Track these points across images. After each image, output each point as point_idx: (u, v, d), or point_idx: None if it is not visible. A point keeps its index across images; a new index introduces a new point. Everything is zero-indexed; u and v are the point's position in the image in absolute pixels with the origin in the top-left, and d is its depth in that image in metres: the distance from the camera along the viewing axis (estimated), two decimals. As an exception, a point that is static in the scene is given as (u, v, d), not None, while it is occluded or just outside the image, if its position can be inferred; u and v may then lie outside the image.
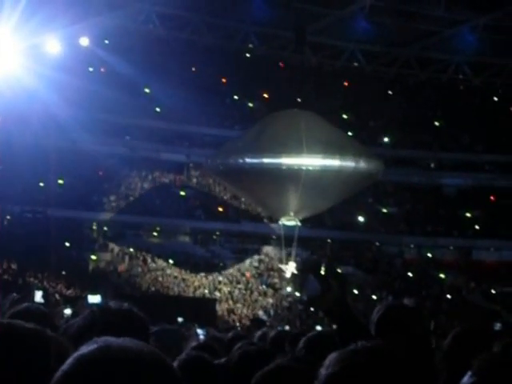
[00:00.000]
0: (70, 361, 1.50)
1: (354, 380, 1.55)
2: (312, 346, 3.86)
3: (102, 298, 33.07)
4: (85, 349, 1.51)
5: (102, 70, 47.67)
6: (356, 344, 1.67)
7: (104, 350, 1.48)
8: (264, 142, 35.49)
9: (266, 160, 35.05)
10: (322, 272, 3.05)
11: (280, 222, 38.62)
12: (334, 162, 34.95)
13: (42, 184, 42.14)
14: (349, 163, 35.39)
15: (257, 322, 36.74)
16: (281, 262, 44.02)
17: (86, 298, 32.92)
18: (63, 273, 41.95)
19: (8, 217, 42.52)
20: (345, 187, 37.06)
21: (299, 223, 38.20)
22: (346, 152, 35.61)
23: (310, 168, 34.58)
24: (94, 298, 32.71)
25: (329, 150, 34.91)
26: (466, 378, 1.78)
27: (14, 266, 39.41)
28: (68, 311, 28.19)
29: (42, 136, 42.20)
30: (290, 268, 40.40)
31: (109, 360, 1.45)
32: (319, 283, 3.00)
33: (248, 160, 35.39)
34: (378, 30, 52.39)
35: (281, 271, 43.83)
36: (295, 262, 40.73)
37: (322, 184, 34.84)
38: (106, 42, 46.36)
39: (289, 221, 37.97)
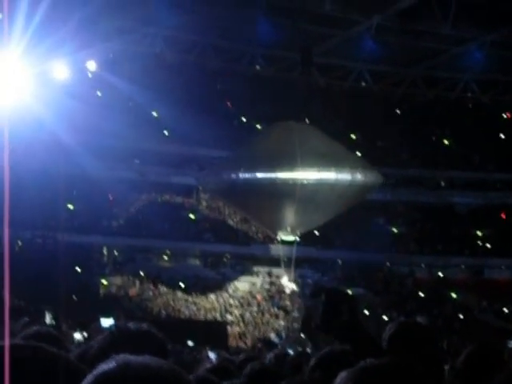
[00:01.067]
0: (88, 378, 1.50)
1: None
2: (324, 365, 3.77)
3: (115, 321, 33.26)
4: (104, 366, 1.51)
5: (110, 94, 47.92)
6: (365, 361, 1.68)
7: (123, 368, 1.48)
8: (257, 156, 35.08)
9: (259, 175, 34.52)
10: (329, 297, 3.06)
11: (278, 238, 38.28)
12: (329, 175, 34.42)
13: (52, 210, 42.31)
14: (345, 176, 34.84)
15: (268, 344, 36.86)
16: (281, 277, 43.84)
17: (99, 322, 33.12)
18: (74, 297, 42.02)
19: (19, 242, 42.72)
20: (342, 201, 36.47)
21: (298, 238, 37.80)
22: (342, 164, 35.04)
23: (305, 182, 34.05)
24: (107, 322, 32.94)
25: (324, 162, 34.38)
26: None
27: (25, 291, 39.50)
28: (78, 335, 28.21)
29: (49, 162, 42.43)
30: (289, 285, 40.10)
31: (128, 377, 1.45)
32: (329, 309, 3.00)
33: (241, 175, 34.89)
34: (385, 49, 52.49)
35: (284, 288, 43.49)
36: (295, 279, 40.42)
37: (318, 198, 34.40)
38: (113, 66, 46.64)
39: (287, 236, 37.58)
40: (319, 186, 34.30)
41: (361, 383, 1.58)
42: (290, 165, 33.96)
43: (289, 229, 36.55)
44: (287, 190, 34.07)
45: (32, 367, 1.92)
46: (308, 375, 3.77)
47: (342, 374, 1.63)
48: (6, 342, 2.00)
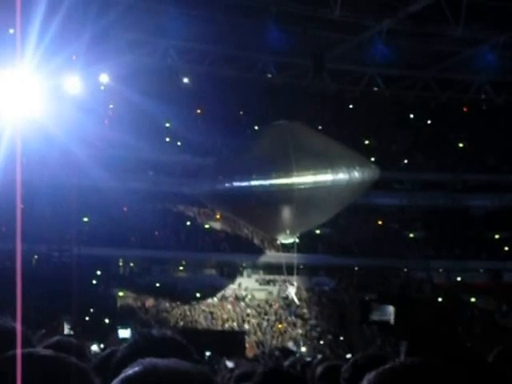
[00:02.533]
0: (115, 382, 1.50)
1: None
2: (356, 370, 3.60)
3: (132, 331, 33.48)
4: (130, 370, 1.50)
5: (122, 106, 48.29)
6: (394, 361, 1.68)
7: (150, 370, 1.47)
8: (252, 162, 34.49)
9: (254, 182, 34.01)
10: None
11: (278, 241, 37.97)
12: (326, 178, 33.97)
13: (66, 223, 42.67)
14: (342, 176, 34.44)
15: (286, 352, 37.02)
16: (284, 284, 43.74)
17: (116, 333, 33.44)
18: (91, 309, 42.36)
19: (35, 256, 43.08)
20: (339, 200, 36.05)
21: (297, 240, 37.46)
22: (338, 164, 34.59)
23: (302, 187, 33.57)
24: (125, 333, 33.23)
25: (319, 163, 33.91)
26: None
27: (43, 304, 39.87)
28: (95, 347, 28.53)
29: (63, 176, 42.81)
30: (292, 291, 39.94)
31: (155, 380, 1.44)
32: (396, 313, 3.07)
33: (236, 184, 34.46)
34: (397, 53, 52.63)
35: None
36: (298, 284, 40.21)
37: (315, 201, 33.98)
38: (126, 78, 47.03)
39: (286, 239, 37.27)
40: (316, 189, 33.84)
41: (389, 382, 1.58)
42: (285, 170, 33.51)
43: (288, 232, 36.18)
44: (284, 196, 33.70)
45: (49, 376, 1.92)
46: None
47: (370, 375, 1.63)
48: (18, 351, 2.00)
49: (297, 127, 37.40)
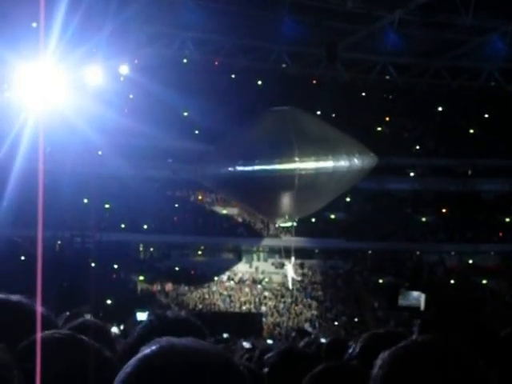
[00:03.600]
0: (132, 361, 1.44)
1: (408, 376, 1.51)
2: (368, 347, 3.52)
3: (150, 314, 33.83)
4: (147, 349, 1.45)
5: (141, 97, 48.51)
6: (406, 340, 1.65)
7: (167, 349, 1.42)
8: (255, 147, 34.32)
9: (257, 167, 33.84)
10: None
11: (276, 225, 37.74)
12: (327, 164, 33.78)
13: (88, 210, 43.04)
14: (342, 163, 34.25)
15: (302, 333, 37.24)
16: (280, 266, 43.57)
17: (134, 316, 33.72)
18: (112, 293, 42.73)
19: (59, 242, 43.47)
20: (339, 185, 35.81)
21: (295, 223, 37.31)
22: (339, 151, 34.37)
23: (304, 173, 33.44)
24: (143, 316, 33.47)
25: (321, 150, 33.70)
26: None
27: (65, 289, 40.29)
28: (115, 329, 28.77)
29: (84, 164, 43.13)
30: (290, 271, 39.78)
31: (173, 359, 1.39)
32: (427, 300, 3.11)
33: (239, 168, 34.34)
34: (408, 42, 52.62)
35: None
36: (295, 265, 40.00)
37: (316, 186, 33.78)
38: (145, 69, 47.22)
39: (284, 222, 37.11)
40: (318, 175, 33.74)
41: (403, 361, 1.54)
42: (288, 156, 33.32)
43: (287, 216, 36.01)
44: (286, 182, 33.51)
45: (63, 356, 1.99)
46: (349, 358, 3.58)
47: (384, 354, 1.60)
48: (38, 335, 2.07)
49: (297, 113, 36.95)
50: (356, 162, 34.87)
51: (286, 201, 34.77)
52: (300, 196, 34.11)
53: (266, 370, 3.50)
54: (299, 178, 33.35)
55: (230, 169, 34.85)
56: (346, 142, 36.40)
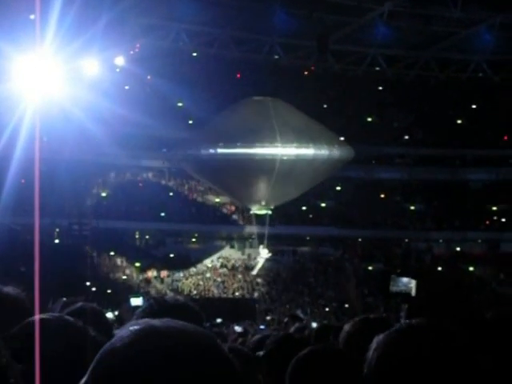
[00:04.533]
0: (106, 346, 1.31)
1: (403, 360, 1.50)
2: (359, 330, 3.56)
3: (144, 300, 33.73)
4: (124, 330, 1.33)
5: (137, 87, 48.48)
6: (401, 323, 1.65)
7: (147, 331, 1.30)
8: (235, 130, 34.12)
9: (239, 150, 33.70)
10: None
11: (251, 212, 37.49)
12: (308, 151, 33.72)
13: (86, 198, 43.09)
14: (323, 152, 34.21)
15: (294, 319, 37.34)
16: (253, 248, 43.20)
17: (128, 301, 33.68)
18: (108, 279, 42.84)
19: (57, 229, 43.47)
20: (316, 174, 35.57)
21: (270, 212, 37.15)
22: (319, 141, 34.36)
23: (285, 158, 33.33)
24: (137, 301, 33.45)
25: (302, 138, 33.59)
26: None
27: (63, 275, 40.34)
28: (109, 315, 28.78)
29: (81, 153, 43.12)
30: (263, 255, 39.57)
31: (151, 342, 1.27)
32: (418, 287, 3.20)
33: (220, 150, 34.09)
34: (398, 34, 52.70)
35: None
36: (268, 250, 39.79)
37: (295, 172, 33.59)
38: (140, 61, 47.17)
39: (260, 210, 36.93)
40: (298, 161, 33.61)
41: (397, 345, 1.53)
42: (270, 141, 33.22)
43: (263, 203, 35.83)
44: (266, 166, 33.32)
45: (59, 339, 2.02)
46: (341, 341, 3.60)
47: (379, 338, 1.58)
48: (37, 317, 2.10)
49: (279, 103, 36.73)
50: (335, 152, 34.84)
51: (263, 186, 34.40)
52: (278, 182, 33.83)
53: (261, 353, 3.54)
54: (280, 162, 33.18)
55: (211, 151, 34.63)
56: (325, 134, 36.48)
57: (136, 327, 1.31)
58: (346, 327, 3.59)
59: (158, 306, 2.48)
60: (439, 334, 1.54)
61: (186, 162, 38.54)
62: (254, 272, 43.56)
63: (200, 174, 39.05)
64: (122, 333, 1.32)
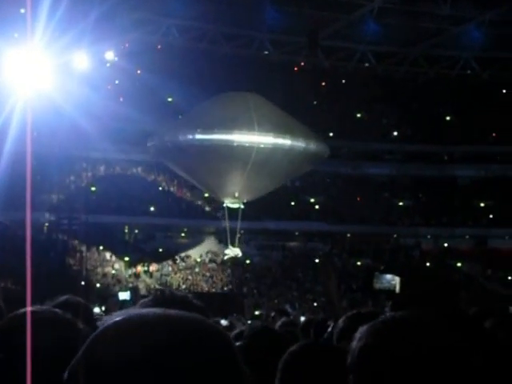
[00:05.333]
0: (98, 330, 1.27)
1: (386, 349, 1.48)
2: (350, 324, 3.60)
3: (132, 294, 33.65)
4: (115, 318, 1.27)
5: (127, 82, 48.40)
6: (385, 315, 1.62)
7: (132, 320, 1.25)
8: (214, 118, 33.99)
9: (216, 136, 33.48)
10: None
11: (224, 204, 37.44)
12: (285, 141, 33.71)
13: (75, 192, 42.98)
14: (299, 143, 34.27)
15: (282, 313, 37.33)
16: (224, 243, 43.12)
17: (116, 296, 33.65)
18: (97, 273, 42.78)
19: (46, 224, 43.31)
20: (291, 167, 35.62)
21: (242, 206, 37.14)
22: (296, 133, 34.46)
23: (262, 146, 33.20)
24: (124, 295, 33.44)
25: (279, 129, 33.68)
26: None
27: (53, 268, 40.27)
28: (97, 309, 28.69)
29: (72, 148, 43.00)
30: (235, 251, 39.45)
31: (133, 331, 1.22)
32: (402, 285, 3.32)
33: (198, 136, 33.81)
34: (387, 31, 52.71)
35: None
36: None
37: (271, 163, 33.54)
38: (131, 55, 47.09)
39: (233, 203, 36.86)
40: (274, 150, 33.52)
41: (381, 336, 1.51)
42: (248, 128, 33.13)
43: (236, 194, 35.78)
44: (243, 153, 33.15)
45: (47, 332, 2.02)
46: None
47: (362, 328, 1.56)
48: (28, 309, 2.12)
49: (257, 97, 36.49)
50: (312, 146, 35.00)
51: (238, 175, 34.09)
52: (253, 171, 33.60)
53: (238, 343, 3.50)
54: (257, 151, 33.05)
55: (189, 136, 34.29)
56: (302, 129, 36.42)
57: (119, 318, 1.26)
58: (340, 323, 3.61)
59: (163, 299, 2.42)
60: (423, 325, 1.52)
61: (163, 151, 38.29)
62: (225, 257, 43.55)
63: (176, 163, 38.75)
64: (106, 324, 1.27)
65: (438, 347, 1.47)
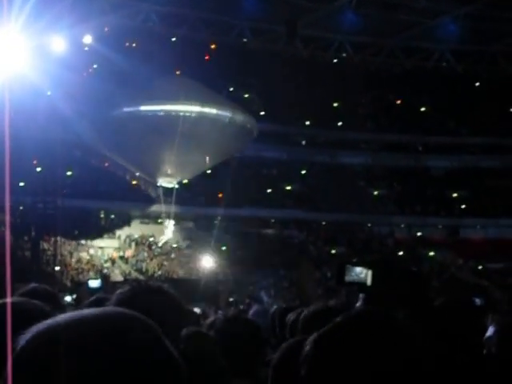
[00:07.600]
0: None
1: (327, 360, 1.45)
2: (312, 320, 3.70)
3: (102, 282, 33.07)
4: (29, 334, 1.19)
5: (105, 66, 47.65)
6: (340, 316, 1.54)
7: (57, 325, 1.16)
8: (141, 93, 34.23)
9: (142, 107, 33.78)
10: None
11: (158, 184, 37.31)
12: (211, 110, 34.02)
13: (51, 176, 42.17)
14: (225, 113, 34.57)
15: (256, 301, 37.05)
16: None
17: (87, 284, 33.04)
18: (72, 259, 42.15)
19: (21, 207, 42.55)
20: (222, 141, 35.62)
21: (177, 185, 37.06)
22: (223, 104, 34.94)
23: (188, 114, 33.42)
24: (94, 283, 32.83)
25: (206, 100, 33.98)
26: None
27: (27, 254, 39.59)
28: (68, 298, 27.99)
29: (48, 130, 42.21)
30: (170, 228, 39.50)
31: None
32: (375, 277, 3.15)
33: (126, 109, 34.12)
34: (365, 21, 52.58)
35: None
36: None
37: (199, 132, 33.59)
38: (109, 39, 46.35)
39: (168, 182, 36.74)
40: (201, 119, 33.76)
41: (336, 340, 1.47)
42: (174, 99, 33.35)
43: (169, 171, 35.66)
44: (170, 123, 33.17)
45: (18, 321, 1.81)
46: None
47: (315, 334, 1.52)
48: (8, 300, 2.03)
49: (188, 79, 37.28)
50: (238, 116, 35.10)
51: (168, 148, 34.19)
52: (183, 143, 33.62)
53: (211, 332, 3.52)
54: (183, 120, 33.15)
55: (117, 110, 34.66)
56: (229, 103, 36.80)
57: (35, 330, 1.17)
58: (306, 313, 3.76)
59: (139, 289, 2.37)
60: (378, 323, 1.50)
61: (96, 125, 37.84)
62: (162, 241, 43.39)
63: (109, 141, 38.22)
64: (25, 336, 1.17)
65: (394, 347, 1.43)
